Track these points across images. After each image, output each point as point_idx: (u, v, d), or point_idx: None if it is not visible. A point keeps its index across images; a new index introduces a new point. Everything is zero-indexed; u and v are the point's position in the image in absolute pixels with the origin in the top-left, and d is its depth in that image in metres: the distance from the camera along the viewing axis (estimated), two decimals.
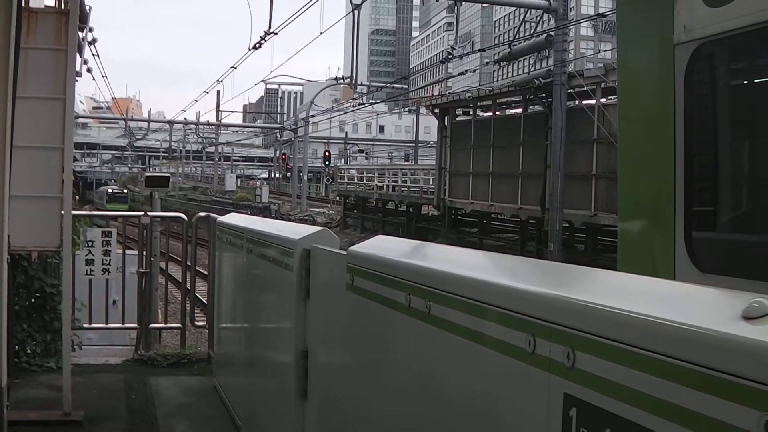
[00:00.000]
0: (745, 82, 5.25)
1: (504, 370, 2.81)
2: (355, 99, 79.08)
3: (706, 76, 4.97)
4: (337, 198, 71.06)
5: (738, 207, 5.08)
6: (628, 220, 5.82)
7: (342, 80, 57.62)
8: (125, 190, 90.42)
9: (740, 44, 4.61)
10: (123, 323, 11.87)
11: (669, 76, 4.84)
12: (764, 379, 1.68)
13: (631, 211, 5.81)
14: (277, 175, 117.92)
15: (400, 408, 3.85)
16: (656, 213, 5.21)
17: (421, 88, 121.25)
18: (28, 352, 10.09)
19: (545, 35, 31.26)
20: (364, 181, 61.93)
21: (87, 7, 10.79)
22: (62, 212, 8.24)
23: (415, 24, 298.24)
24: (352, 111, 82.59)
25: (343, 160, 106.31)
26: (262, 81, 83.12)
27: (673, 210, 4.80)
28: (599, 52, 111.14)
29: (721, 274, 4.47)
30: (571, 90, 30.57)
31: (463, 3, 33.96)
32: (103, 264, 10.45)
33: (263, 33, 37.16)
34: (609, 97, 30.22)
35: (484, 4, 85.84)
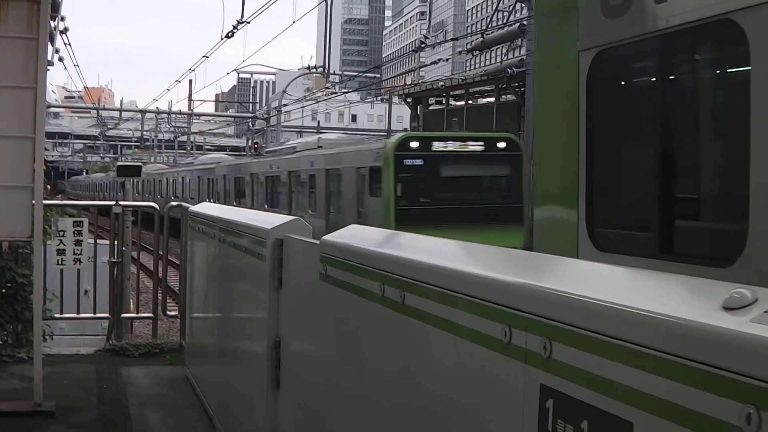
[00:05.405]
0: (638, 85, 5.86)
1: (480, 360, 2.79)
2: (327, 88, 78.90)
3: (605, 80, 5.51)
4: None
5: (630, 195, 5.83)
6: (542, 206, 6.57)
7: (314, 69, 57.44)
8: None
9: (632, 51, 5.24)
10: (95, 313, 11.81)
11: (575, 80, 5.41)
12: (745, 371, 1.67)
13: (545, 198, 6.52)
14: None
15: (374, 398, 3.82)
16: (564, 200, 5.80)
17: (394, 77, 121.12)
18: None
19: (518, 25, 31.33)
20: None
21: None
22: (33, 202, 8.16)
23: (388, 13, 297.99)
24: (325, 100, 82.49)
25: None
26: (235, 70, 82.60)
27: (577, 198, 5.40)
28: None
29: (615, 253, 5.09)
30: None
31: None
32: (74, 254, 10.40)
33: (236, 22, 37.00)
34: None
35: None
